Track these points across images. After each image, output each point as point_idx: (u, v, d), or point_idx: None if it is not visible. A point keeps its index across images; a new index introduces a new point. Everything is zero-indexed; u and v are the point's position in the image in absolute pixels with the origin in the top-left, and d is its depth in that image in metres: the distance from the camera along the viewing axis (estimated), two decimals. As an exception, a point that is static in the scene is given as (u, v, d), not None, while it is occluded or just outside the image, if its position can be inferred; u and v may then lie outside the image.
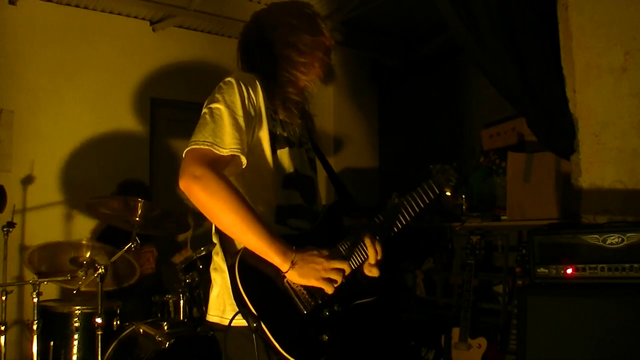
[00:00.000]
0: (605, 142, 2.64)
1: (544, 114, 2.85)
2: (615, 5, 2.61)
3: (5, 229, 3.14)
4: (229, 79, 1.55)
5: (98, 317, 2.55)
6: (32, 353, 2.60)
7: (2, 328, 2.78)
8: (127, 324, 2.76)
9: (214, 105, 1.49)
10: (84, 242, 2.83)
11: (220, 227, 1.45)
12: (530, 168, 3.55)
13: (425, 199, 1.73)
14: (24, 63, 3.94)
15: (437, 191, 1.75)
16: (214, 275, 1.61)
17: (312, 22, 1.71)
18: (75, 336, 2.69)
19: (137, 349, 2.70)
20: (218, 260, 1.58)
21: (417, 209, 1.71)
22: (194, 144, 1.44)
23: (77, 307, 2.72)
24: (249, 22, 1.77)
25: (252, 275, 1.42)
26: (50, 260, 2.82)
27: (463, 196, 4.26)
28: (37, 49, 3.99)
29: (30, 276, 2.67)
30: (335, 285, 1.45)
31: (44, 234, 3.85)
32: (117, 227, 3.01)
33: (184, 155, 1.45)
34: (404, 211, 1.70)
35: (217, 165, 1.42)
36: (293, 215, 1.60)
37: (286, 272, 1.43)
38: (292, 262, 1.42)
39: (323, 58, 1.72)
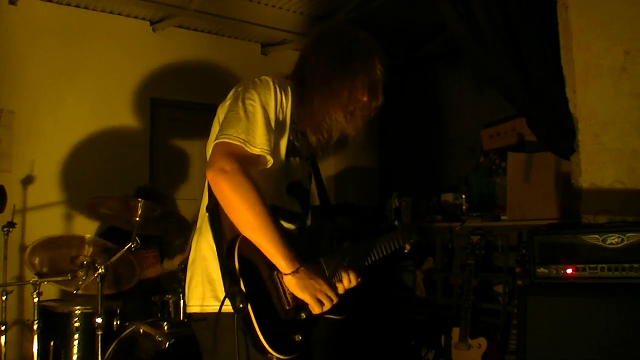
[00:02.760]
0: (605, 142, 2.64)
1: (544, 114, 2.85)
2: (615, 5, 2.61)
3: (5, 229, 3.14)
4: (266, 78, 1.59)
5: (98, 317, 2.55)
6: (32, 353, 2.60)
7: (2, 328, 2.78)
8: (127, 324, 2.75)
9: (248, 102, 1.53)
10: (87, 235, 2.81)
11: (236, 222, 1.47)
12: (530, 168, 3.55)
13: (392, 247, 1.94)
14: (24, 63, 3.94)
15: (401, 244, 1.99)
16: (194, 266, 1.62)
17: (372, 78, 1.66)
18: (75, 336, 2.69)
19: (137, 349, 2.70)
20: (203, 247, 1.59)
21: (382, 254, 1.89)
22: (226, 138, 1.47)
23: (77, 307, 2.72)
24: (321, 33, 1.73)
25: (248, 258, 1.46)
26: (50, 257, 2.81)
27: (463, 196, 4.28)
28: (37, 49, 3.99)
29: (30, 276, 2.66)
30: (323, 309, 1.50)
31: (44, 234, 3.85)
32: (119, 229, 3.01)
33: (214, 145, 1.48)
34: (373, 252, 1.86)
35: (245, 162, 1.46)
36: (287, 220, 1.62)
37: (285, 275, 1.47)
38: (296, 269, 1.46)
39: (363, 115, 1.68)
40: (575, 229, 2.24)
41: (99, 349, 2.54)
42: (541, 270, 2.24)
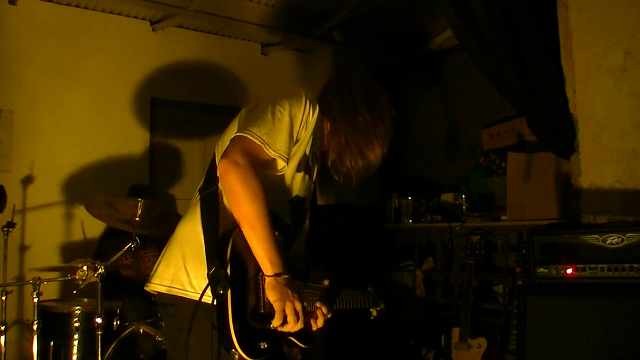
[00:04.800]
0: (605, 142, 2.64)
1: (544, 114, 2.85)
2: (615, 5, 2.62)
3: (5, 229, 3.13)
4: (299, 90, 1.66)
5: (98, 317, 2.55)
6: (32, 353, 2.59)
7: (2, 328, 2.77)
8: (127, 324, 2.75)
9: (278, 107, 1.57)
10: (79, 264, 2.80)
11: (236, 214, 1.49)
12: (530, 168, 3.55)
13: (360, 304, 1.91)
14: (24, 63, 3.94)
15: (370, 306, 1.95)
16: (171, 246, 1.63)
17: (389, 122, 1.81)
18: (75, 336, 2.68)
19: (137, 349, 2.70)
20: (187, 230, 1.61)
21: (349, 307, 1.87)
22: (249, 134, 1.51)
23: (77, 307, 2.71)
24: (349, 73, 1.84)
25: (239, 252, 1.47)
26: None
27: (463, 196, 4.28)
28: (37, 49, 3.99)
29: (30, 276, 2.66)
30: (283, 324, 1.47)
31: (44, 234, 3.87)
32: (118, 230, 3.00)
33: (234, 137, 1.52)
34: (341, 300, 1.82)
35: (258, 163, 1.51)
36: (277, 229, 1.60)
37: (267, 276, 1.48)
38: (279, 273, 1.47)
39: (370, 167, 1.83)
40: (575, 229, 2.24)
41: (99, 349, 2.54)
42: (541, 270, 2.24)
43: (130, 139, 4.32)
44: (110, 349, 2.64)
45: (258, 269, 1.49)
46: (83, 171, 4.08)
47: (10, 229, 3.15)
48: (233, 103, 4.77)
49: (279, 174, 1.60)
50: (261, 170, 1.52)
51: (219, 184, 1.58)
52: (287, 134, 1.55)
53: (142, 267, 3.48)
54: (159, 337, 2.55)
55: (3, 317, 2.78)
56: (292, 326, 1.48)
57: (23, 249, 3.77)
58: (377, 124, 1.75)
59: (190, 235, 1.58)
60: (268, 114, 1.55)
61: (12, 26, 3.92)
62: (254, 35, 4.82)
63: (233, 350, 1.40)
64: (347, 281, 1.84)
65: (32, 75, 3.96)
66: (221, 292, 1.38)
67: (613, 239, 2.09)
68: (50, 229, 3.92)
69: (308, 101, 1.63)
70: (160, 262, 1.64)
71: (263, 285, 1.49)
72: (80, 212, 3.90)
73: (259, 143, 1.50)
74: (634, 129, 2.55)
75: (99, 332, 2.54)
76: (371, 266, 4.65)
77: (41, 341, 2.62)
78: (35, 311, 2.60)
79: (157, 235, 3.34)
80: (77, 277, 2.59)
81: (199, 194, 1.63)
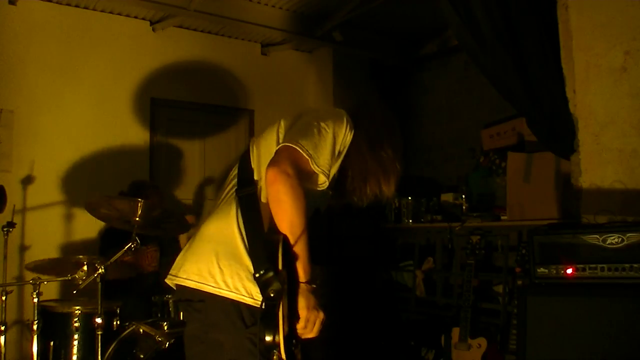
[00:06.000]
0: (605, 142, 2.65)
1: (544, 114, 2.85)
2: (615, 6, 2.62)
3: (5, 229, 3.13)
4: (341, 111, 1.75)
5: (98, 317, 2.54)
6: (32, 353, 2.59)
7: (2, 328, 2.77)
8: (127, 324, 2.74)
9: (323, 124, 1.65)
10: (81, 257, 2.80)
11: (279, 221, 1.53)
12: (530, 168, 3.55)
13: None
14: (24, 63, 3.94)
15: None
16: (201, 244, 1.66)
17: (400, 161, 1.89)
18: (75, 336, 2.68)
19: (137, 349, 2.70)
20: (221, 227, 1.63)
21: None
22: (299, 147, 1.57)
23: (77, 307, 2.71)
24: (378, 110, 1.91)
25: (287, 256, 1.51)
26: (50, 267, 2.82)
27: (463, 196, 4.28)
28: (37, 49, 3.99)
29: (30, 276, 2.66)
30: (304, 330, 1.52)
31: (44, 234, 3.87)
32: (119, 229, 3.00)
33: (282, 147, 1.57)
34: None
35: (302, 174, 1.56)
36: None
37: (301, 283, 1.53)
38: (309, 282, 1.52)
39: (381, 198, 1.88)
40: (575, 229, 2.24)
41: (99, 349, 2.53)
42: (541, 270, 2.24)
43: (130, 139, 4.33)
44: (110, 349, 2.63)
45: (291, 275, 1.52)
46: (83, 171, 4.08)
47: (10, 229, 3.15)
48: (233, 103, 4.78)
49: (318, 188, 1.64)
50: (304, 183, 1.56)
51: (258, 187, 1.64)
52: (330, 151, 1.62)
53: (143, 263, 3.49)
54: (159, 337, 2.54)
55: (3, 317, 2.78)
56: (309, 332, 1.53)
57: (23, 249, 3.77)
58: (395, 162, 1.84)
59: (224, 234, 1.61)
60: (314, 130, 1.61)
61: (12, 26, 3.93)
62: (254, 35, 4.82)
63: (275, 350, 1.41)
64: (347, 281, 1.87)
65: (32, 75, 3.96)
66: (272, 295, 1.40)
67: (613, 239, 2.09)
68: (50, 229, 3.92)
69: (348, 124, 1.70)
70: (185, 257, 1.67)
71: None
72: (81, 212, 3.92)
73: (307, 157, 1.55)
74: (634, 129, 2.55)
75: (99, 332, 2.54)
76: (371, 266, 4.65)
77: (41, 341, 2.62)
78: (35, 311, 2.60)
79: (158, 235, 3.35)
80: (77, 277, 2.60)
81: (236, 194, 1.66)
